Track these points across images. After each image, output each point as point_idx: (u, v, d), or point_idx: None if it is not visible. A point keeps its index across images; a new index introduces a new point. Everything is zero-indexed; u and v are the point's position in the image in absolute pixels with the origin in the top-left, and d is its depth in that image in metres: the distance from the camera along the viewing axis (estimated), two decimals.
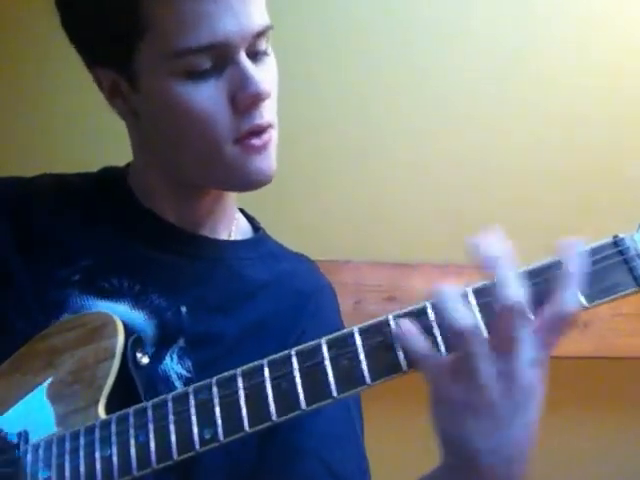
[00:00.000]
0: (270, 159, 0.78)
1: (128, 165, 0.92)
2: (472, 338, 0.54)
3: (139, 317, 0.79)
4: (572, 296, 0.55)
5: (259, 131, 0.75)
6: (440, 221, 1.54)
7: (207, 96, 0.72)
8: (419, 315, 0.59)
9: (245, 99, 0.73)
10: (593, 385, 1.50)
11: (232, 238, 0.90)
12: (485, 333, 0.56)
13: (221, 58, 0.72)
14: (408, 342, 0.57)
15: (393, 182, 1.57)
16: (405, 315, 0.60)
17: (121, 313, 0.78)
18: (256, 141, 0.75)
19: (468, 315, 0.55)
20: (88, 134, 1.55)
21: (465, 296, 0.57)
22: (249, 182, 0.78)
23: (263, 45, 0.76)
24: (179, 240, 0.85)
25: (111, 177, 0.91)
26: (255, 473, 0.78)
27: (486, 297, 0.57)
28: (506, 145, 1.58)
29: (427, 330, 0.58)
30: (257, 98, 0.73)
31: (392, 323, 0.59)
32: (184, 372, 0.78)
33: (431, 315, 0.59)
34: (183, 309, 0.81)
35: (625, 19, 1.57)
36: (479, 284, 0.58)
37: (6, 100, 1.59)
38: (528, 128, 1.58)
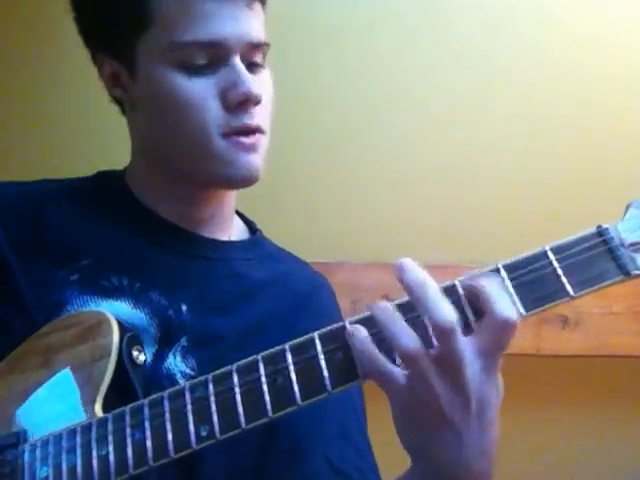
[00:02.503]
0: (258, 160, 0.80)
1: (125, 169, 0.93)
2: (418, 353, 0.55)
3: (140, 316, 0.79)
4: (505, 303, 0.55)
5: (247, 131, 0.79)
6: (434, 222, 1.56)
7: (198, 89, 0.77)
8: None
9: (235, 97, 0.77)
10: (584, 383, 1.50)
11: (231, 239, 0.91)
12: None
13: (217, 57, 0.77)
14: (360, 352, 0.58)
15: (387, 184, 1.58)
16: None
17: (122, 312, 0.78)
18: (244, 139, 0.78)
19: (405, 329, 0.56)
20: (85, 136, 1.55)
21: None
22: (235, 176, 0.80)
23: (259, 58, 0.80)
24: (179, 239, 0.86)
25: (109, 179, 0.92)
26: (258, 471, 0.78)
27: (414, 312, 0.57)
28: (497, 147, 1.59)
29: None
30: (246, 97, 0.77)
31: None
32: (189, 371, 0.78)
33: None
34: (184, 307, 0.81)
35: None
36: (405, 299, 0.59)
37: (3, 101, 1.59)
38: (514, 130, 1.60)
